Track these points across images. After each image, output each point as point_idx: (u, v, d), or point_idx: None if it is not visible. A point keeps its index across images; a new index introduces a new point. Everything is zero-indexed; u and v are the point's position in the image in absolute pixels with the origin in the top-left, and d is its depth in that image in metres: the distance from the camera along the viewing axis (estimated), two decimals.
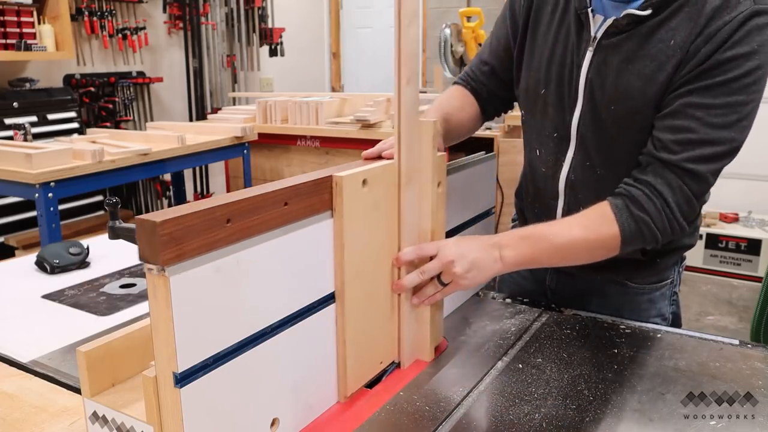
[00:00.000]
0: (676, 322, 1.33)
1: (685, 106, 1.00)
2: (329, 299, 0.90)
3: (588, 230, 1.03)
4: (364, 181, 0.91)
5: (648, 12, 1.03)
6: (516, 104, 1.36)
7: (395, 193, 0.98)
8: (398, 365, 1.04)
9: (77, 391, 0.94)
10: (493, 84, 1.32)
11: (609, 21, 1.07)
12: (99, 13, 3.73)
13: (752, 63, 0.98)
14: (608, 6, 1.09)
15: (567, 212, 1.20)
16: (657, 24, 1.03)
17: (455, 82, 1.36)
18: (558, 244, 1.03)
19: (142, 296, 1.35)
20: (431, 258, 1.01)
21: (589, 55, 1.11)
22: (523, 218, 1.41)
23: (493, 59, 1.31)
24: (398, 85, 0.94)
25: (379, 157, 1.01)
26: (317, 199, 0.85)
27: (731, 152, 1.02)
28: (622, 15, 1.05)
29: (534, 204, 1.31)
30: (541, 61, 1.18)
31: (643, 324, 1.20)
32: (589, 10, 1.10)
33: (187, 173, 4.09)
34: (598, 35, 1.09)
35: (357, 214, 0.90)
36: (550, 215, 1.24)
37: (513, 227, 1.44)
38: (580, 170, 1.17)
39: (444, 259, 0.99)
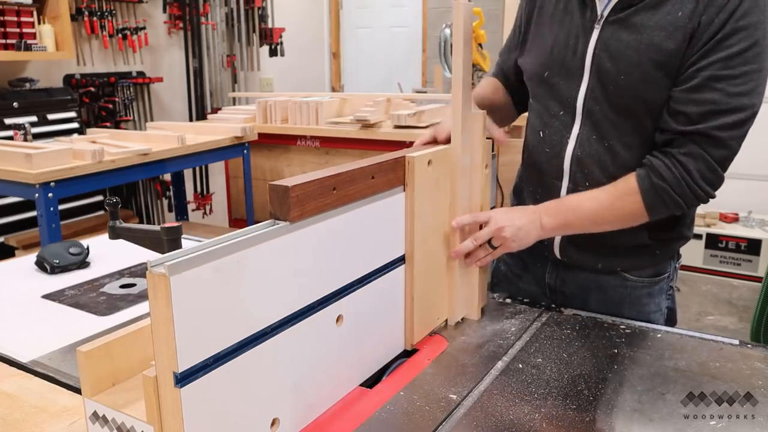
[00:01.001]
0: (671, 317, 1.34)
1: (708, 80, 1.06)
2: (400, 261, 1.07)
3: (615, 198, 1.14)
4: (429, 161, 1.08)
5: None
6: None
7: (454, 172, 1.16)
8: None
9: (77, 391, 0.94)
10: (518, 72, 1.38)
11: None
12: (99, 13, 3.73)
13: (760, 32, 1.05)
14: None
15: (571, 191, 1.23)
16: None
17: (487, 75, 1.47)
18: (589, 211, 1.15)
19: (142, 296, 1.35)
20: (480, 227, 1.17)
21: (596, 33, 1.16)
22: None
23: (513, 50, 1.39)
24: (456, 87, 1.12)
25: (435, 142, 1.20)
26: (394, 175, 1.03)
27: (751, 118, 1.08)
28: None
29: (536, 190, 1.32)
30: (545, 47, 1.25)
31: (643, 324, 1.20)
32: None
33: (187, 173, 4.09)
34: (605, 13, 1.15)
35: (423, 189, 1.08)
36: (553, 197, 1.26)
37: None
38: (587, 144, 1.20)
39: (495, 225, 1.15)
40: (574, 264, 1.30)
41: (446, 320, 1.21)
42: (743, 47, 1.05)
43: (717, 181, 1.11)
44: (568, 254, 1.29)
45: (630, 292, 1.29)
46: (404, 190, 1.06)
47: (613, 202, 1.14)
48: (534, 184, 1.33)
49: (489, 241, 1.16)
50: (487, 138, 1.19)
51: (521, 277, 1.41)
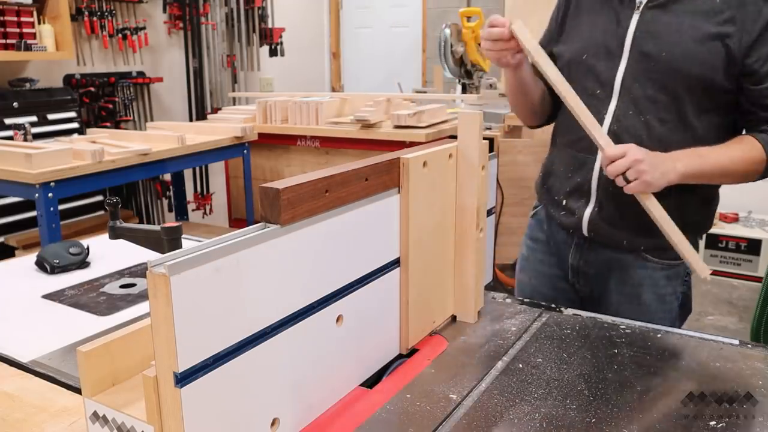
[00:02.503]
0: (686, 302, 1.41)
1: None
2: (395, 264, 1.05)
3: (743, 152, 1.24)
4: (425, 163, 1.06)
5: None
6: None
7: (450, 174, 1.15)
8: (406, 357, 1.10)
9: (77, 391, 0.94)
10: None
11: None
12: (99, 13, 3.73)
13: None
14: None
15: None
16: None
17: None
18: (721, 160, 1.22)
19: (142, 296, 1.35)
20: (610, 162, 1.18)
21: (635, 17, 1.27)
22: (547, 194, 1.46)
23: (546, 46, 1.41)
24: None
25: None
26: (389, 177, 1.01)
27: None
28: None
29: (569, 169, 1.38)
30: (583, 34, 1.36)
31: (644, 324, 1.20)
32: None
33: (187, 173, 4.09)
34: (644, 1, 1.26)
35: (418, 191, 1.05)
36: (585, 175, 1.34)
37: (533, 217, 1.53)
38: (623, 119, 1.28)
39: (633, 156, 1.16)
40: (599, 240, 1.36)
41: (442, 323, 1.20)
42: None
43: None
44: (595, 230, 1.34)
45: (650, 273, 1.35)
46: (399, 192, 1.04)
47: (742, 155, 1.23)
48: (566, 163, 1.39)
49: (624, 175, 1.17)
50: (484, 139, 1.19)
51: (543, 261, 1.46)
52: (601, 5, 1.33)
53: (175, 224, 1.15)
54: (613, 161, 1.18)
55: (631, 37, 1.27)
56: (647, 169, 1.16)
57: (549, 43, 1.44)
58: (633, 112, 1.28)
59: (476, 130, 1.16)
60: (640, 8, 1.26)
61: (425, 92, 4.50)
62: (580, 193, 1.36)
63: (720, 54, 1.20)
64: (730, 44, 1.19)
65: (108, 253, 1.62)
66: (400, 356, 1.09)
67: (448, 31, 3.78)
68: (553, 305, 1.29)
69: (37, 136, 3.11)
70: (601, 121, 1.28)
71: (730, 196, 3.96)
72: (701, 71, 1.21)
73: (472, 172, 1.17)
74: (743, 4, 1.18)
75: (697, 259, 1.25)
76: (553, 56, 1.37)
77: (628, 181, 1.18)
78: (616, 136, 1.27)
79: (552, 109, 1.49)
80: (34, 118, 3.26)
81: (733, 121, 1.30)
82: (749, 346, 1.11)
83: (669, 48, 1.23)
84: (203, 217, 4.33)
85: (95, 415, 0.81)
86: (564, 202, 1.39)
